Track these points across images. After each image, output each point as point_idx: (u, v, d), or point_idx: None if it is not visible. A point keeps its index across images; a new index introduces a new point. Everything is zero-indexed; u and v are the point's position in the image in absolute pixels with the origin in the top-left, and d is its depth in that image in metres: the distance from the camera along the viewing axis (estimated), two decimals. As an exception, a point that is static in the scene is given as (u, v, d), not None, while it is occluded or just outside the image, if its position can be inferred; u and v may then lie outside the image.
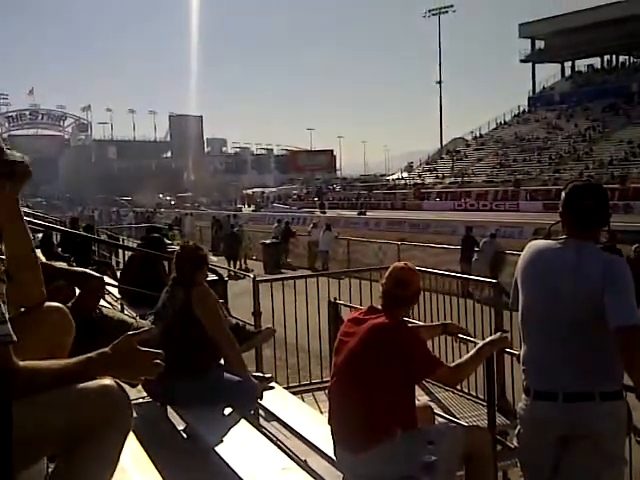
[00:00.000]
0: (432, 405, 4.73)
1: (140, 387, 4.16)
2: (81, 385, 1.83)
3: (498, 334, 3.71)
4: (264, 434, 3.98)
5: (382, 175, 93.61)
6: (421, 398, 5.39)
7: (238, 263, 23.78)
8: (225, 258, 23.52)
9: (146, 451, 2.83)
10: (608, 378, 2.85)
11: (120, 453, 1.92)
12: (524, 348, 3.06)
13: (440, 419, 4.92)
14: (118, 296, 7.34)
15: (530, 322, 3.03)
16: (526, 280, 3.06)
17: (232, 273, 22.34)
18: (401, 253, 18.29)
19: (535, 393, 2.95)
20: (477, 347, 3.49)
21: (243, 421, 3.84)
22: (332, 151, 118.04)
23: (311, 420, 4.28)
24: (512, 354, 3.93)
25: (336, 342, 3.58)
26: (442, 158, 75.98)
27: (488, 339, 3.64)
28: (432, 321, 6.37)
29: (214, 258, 5.44)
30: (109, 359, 1.88)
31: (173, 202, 77.33)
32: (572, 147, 60.67)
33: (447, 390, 6.25)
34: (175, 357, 3.70)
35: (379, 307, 3.41)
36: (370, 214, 46.09)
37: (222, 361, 4.31)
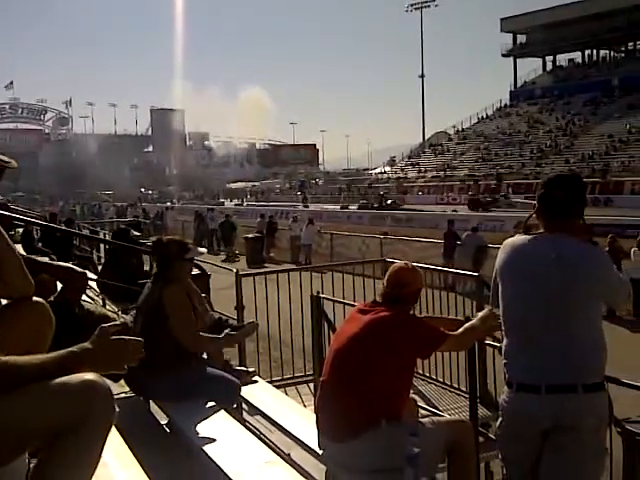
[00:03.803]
0: (415, 398, 4.75)
1: (123, 382, 4.15)
2: (62, 379, 1.82)
3: (485, 311, 3.51)
4: (247, 428, 3.98)
5: (365, 169, 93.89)
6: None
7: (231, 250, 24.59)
8: (222, 243, 25.17)
9: (128, 445, 2.82)
10: (590, 370, 2.87)
11: (102, 448, 1.92)
12: (506, 341, 3.08)
13: (423, 411, 4.96)
14: (99, 291, 7.30)
15: (512, 317, 3.04)
16: (505, 277, 3.07)
17: (229, 254, 23.36)
18: (384, 247, 18.36)
19: (517, 386, 2.96)
20: (471, 322, 3.50)
21: (226, 415, 3.84)
22: (315, 145, 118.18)
23: (294, 414, 4.29)
24: (494, 346, 3.96)
25: (337, 330, 3.63)
26: (424, 152, 76.31)
27: (479, 316, 3.51)
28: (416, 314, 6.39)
29: (203, 250, 5.40)
30: (89, 352, 1.88)
31: (156, 196, 77.09)
32: (553, 141, 61.12)
33: (430, 382, 6.29)
34: (156, 352, 3.70)
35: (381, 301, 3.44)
36: (353, 208, 46.15)
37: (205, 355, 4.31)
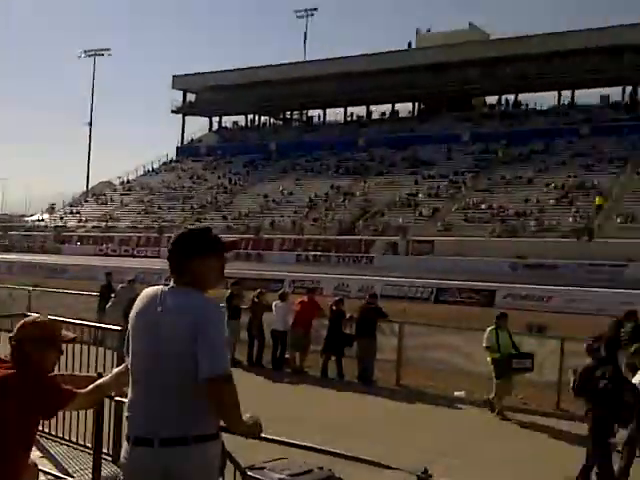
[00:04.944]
0: (44, 461, 4.48)
1: None
2: None
3: (121, 366, 3.43)
4: None
5: (22, 215, 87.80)
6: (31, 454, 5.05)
7: None
8: None
9: None
10: (204, 422, 2.94)
11: None
12: (129, 395, 3.08)
13: (49, 476, 4.69)
14: None
15: (134, 369, 3.06)
16: (133, 328, 3.10)
17: None
18: (33, 300, 17.29)
19: (134, 439, 2.96)
20: (104, 378, 3.47)
21: None
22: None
23: None
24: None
25: None
26: (87, 201, 74.15)
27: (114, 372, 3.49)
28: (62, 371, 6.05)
29: None
30: None
31: None
32: (214, 198, 63.83)
33: (62, 444, 5.94)
34: None
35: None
36: (3, 256, 42.92)
37: None
